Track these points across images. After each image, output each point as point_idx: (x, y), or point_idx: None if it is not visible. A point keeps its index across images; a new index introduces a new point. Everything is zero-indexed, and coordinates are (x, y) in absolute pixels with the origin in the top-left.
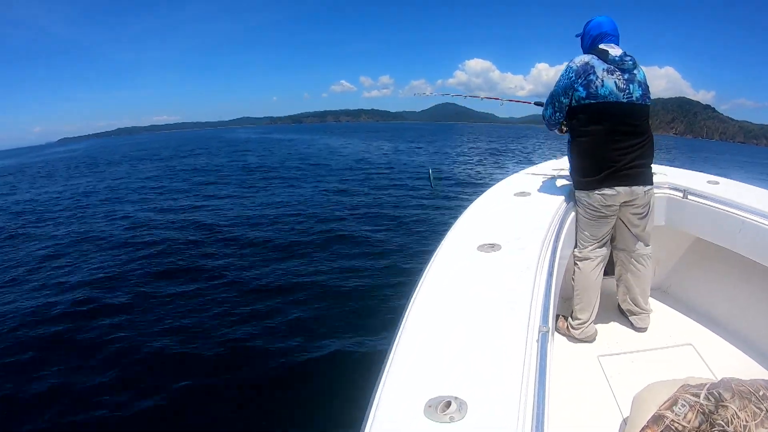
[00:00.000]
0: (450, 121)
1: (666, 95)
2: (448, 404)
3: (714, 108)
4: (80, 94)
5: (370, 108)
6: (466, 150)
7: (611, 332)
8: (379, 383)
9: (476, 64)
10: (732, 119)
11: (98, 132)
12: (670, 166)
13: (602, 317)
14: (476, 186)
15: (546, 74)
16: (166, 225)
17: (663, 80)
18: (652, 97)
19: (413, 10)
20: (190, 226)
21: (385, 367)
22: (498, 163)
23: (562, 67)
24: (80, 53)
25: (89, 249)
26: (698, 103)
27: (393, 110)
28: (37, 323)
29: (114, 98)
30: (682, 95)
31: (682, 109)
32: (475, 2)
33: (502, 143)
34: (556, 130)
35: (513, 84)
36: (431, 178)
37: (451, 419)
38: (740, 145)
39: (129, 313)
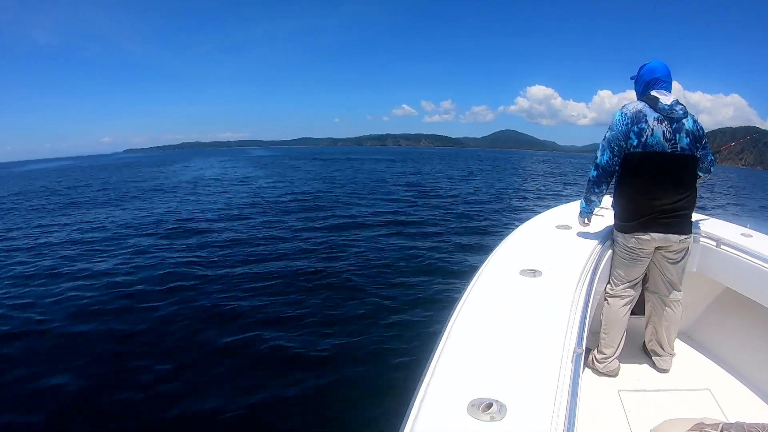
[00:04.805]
0: (511, 148)
1: (734, 124)
2: (490, 405)
3: None
4: (148, 107)
5: (430, 133)
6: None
7: (634, 369)
8: (422, 382)
9: (538, 90)
10: None
11: (164, 145)
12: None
13: (627, 354)
14: (517, 214)
15: (609, 101)
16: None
17: (730, 108)
18: (721, 126)
19: (475, 35)
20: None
21: (429, 368)
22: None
23: (625, 95)
24: (150, 68)
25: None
26: None
27: (453, 135)
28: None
29: (180, 113)
30: (749, 124)
31: (751, 138)
32: (537, 29)
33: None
34: (596, 192)
35: (575, 111)
36: None
37: (492, 419)
38: None
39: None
